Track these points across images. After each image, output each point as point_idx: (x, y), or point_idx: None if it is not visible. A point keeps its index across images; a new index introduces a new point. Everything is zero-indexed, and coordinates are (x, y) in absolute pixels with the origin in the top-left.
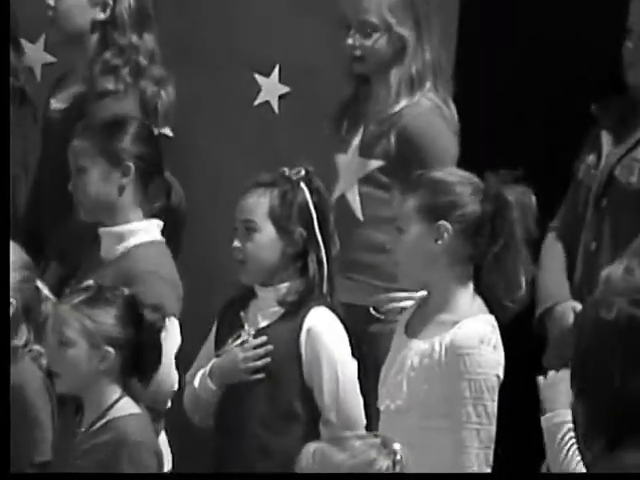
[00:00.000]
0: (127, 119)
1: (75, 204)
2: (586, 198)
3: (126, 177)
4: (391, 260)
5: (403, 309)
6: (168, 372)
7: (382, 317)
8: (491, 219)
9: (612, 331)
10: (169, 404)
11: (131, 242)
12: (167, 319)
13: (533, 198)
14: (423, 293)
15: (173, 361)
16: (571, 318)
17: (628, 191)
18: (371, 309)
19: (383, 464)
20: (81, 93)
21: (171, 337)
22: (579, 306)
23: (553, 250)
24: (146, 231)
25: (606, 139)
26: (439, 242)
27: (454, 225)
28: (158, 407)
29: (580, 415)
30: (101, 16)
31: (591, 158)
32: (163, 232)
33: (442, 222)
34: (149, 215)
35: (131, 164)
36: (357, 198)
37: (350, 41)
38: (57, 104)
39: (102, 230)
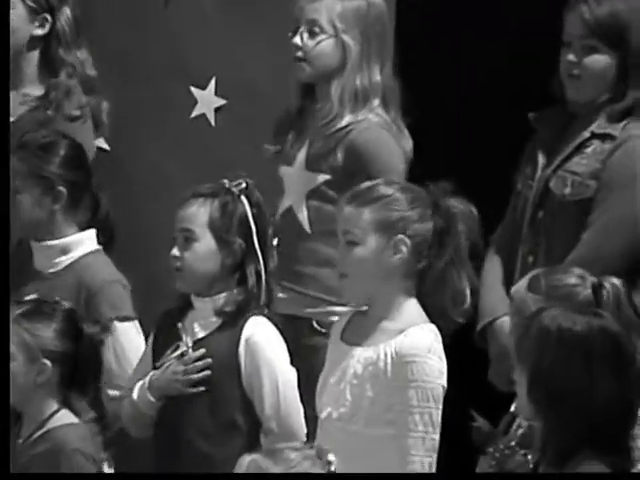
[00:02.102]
0: (59, 141)
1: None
2: (523, 210)
3: (58, 203)
4: (336, 273)
5: None
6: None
7: (324, 330)
8: (439, 233)
9: (580, 343)
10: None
11: (76, 253)
12: (127, 325)
13: (475, 211)
14: (366, 307)
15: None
16: (508, 332)
17: (562, 203)
18: (314, 322)
19: None
20: (46, 117)
21: (136, 341)
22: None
23: (492, 264)
24: (88, 240)
25: (542, 150)
26: (397, 256)
27: (410, 239)
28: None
29: (540, 428)
30: (39, 32)
31: (528, 169)
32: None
33: (401, 236)
34: (80, 228)
35: (63, 189)
36: (305, 212)
37: (297, 39)
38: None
39: (36, 244)
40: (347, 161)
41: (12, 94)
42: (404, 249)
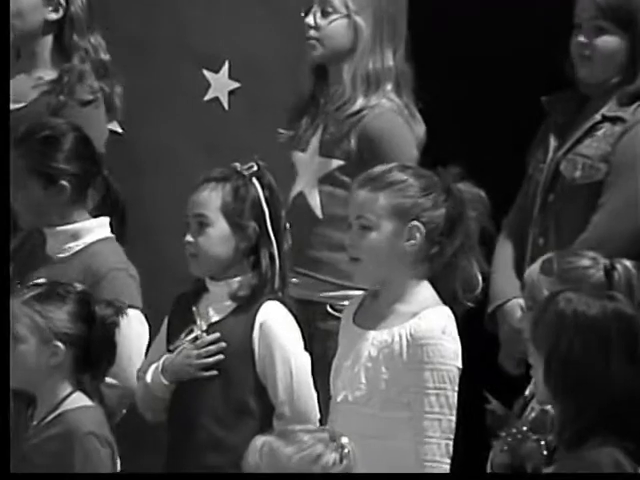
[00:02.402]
0: (62, 134)
1: (15, 211)
2: (534, 193)
3: (62, 196)
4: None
5: None
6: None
7: (338, 314)
8: (451, 219)
9: (596, 327)
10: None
11: (87, 239)
12: (131, 313)
13: (485, 196)
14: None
15: (143, 355)
16: (519, 315)
17: (573, 186)
18: (328, 307)
19: (330, 458)
20: (59, 102)
21: (139, 331)
22: None
23: (503, 247)
24: (99, 228)
25: (554, 133)
26: (411, 242)
27: (424, 226)
28: (124, 402)
29: (556, 412)
30: (53, 16)
31: (540, 153)
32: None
33: (415, 223)
34: (91, 212)
35: (66, 183)
36: (317, 197)
37: (309, 19)
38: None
39: (49, 230)
40: (360, 147)
41: (24, 77)
42: (418, 235)
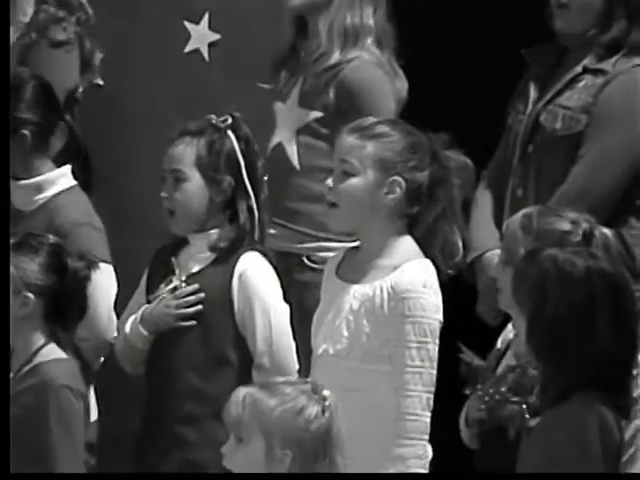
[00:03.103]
0: (22, 83)
1: None
2: (514, 144)
3: (23, 144)
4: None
5: None
6: (107, 319)
7: (315, 266)
8: (434, 183)
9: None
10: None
11: (50, 191)
12: (100, 266)
13: (472, 164)
14: (356, 243)
15: (112, 308)
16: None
17: (553, 137)
18: (304, 258)
19: (313, 410)
20: (30, 41)
21: (107, 284)
22: None
23: (482, 198)
24: (62, 178)
25: (534, 85)
26: (390, 196)
27: (405, 183)
28: (99, 354)
29: (540, 371)
30: None
31: (520, 104)
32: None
33: (397, 178)
34: (55, 161)
35: (26, 132)
36: (294, 147)
37: None
38: None
39: (14, 184)
40: (338, 98)
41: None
42: (398, 190)
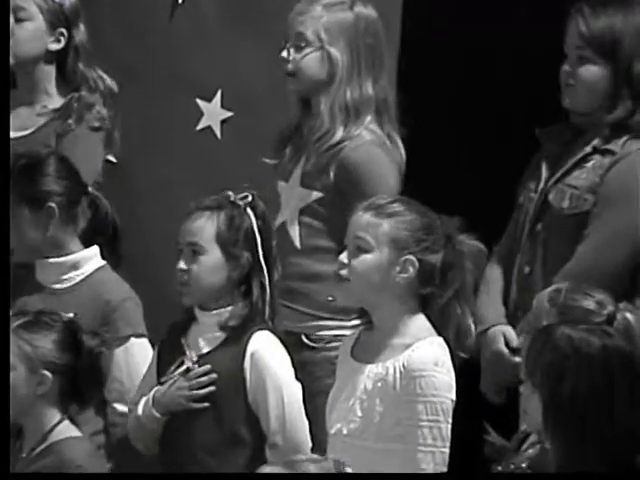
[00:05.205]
0: (42, 159)
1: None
2: (524, 221)
3: (51, 217)
4: (323, 288)
5: (335, 337)
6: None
7: (313, 345)
8: (447, 266)
9: (599, 364)
10: None
11: (88, 268)
12: (141, 341)
13: (485, 249)
14: (354, 322)
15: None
16: (501, 342)
17: (560, 216)
18: (303, 336)
19: None
20: (66, 126)
21: (147, 359)
22: (510, 329)
23: (492, 274)
24: (95, 257)
25: (546, 163)
26: (403, 275)
27: (419, 263)
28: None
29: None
30: (55, 46)
31: (532, 182)
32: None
33: (411, 257)
34: (83, 240)
35: (53, 205)
36: (297, 228)
37: (284, 54)
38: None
39: (42, 261)
40: (339, 179)
41: (25, 109)
42: (411, 270)
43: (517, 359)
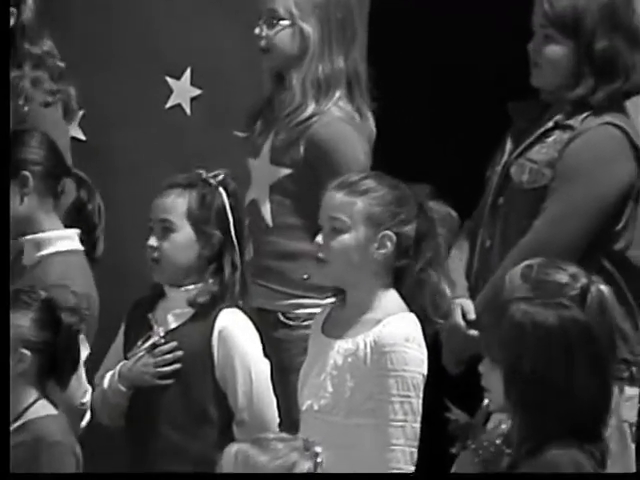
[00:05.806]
0: (27, 130)
1: None
2: (487, 195)
3: (25, 187)
4: (297, 266)
5: (310, 315)
6: (80, 378)
7: (290, 323)
8: (420, 235)
9: (557, 337)
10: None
11: (48, 250)
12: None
13: (455, 214)
14: (329, 300)
15: (83, 368)
16: (459, 314)
17: (520, 190)
18: (279, 314)
19: (305, 466)
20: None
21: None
22: (468, 302)
23: (459, 247)
24: (63, 239)
25: (511, 138)
26: (381, 251)
27: (396, 237)
28: (74, 411)
29: (517, 422)
30: None
31: (498, 156)
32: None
33: (388, 232)
34: (65, 216)
35: (28, 174)
36: (268, 204)
37: (257, 30)
38: None
39: (23, 238)
40: (308, 155)
41: None
42: (389, 244)
43: (473, 332)
